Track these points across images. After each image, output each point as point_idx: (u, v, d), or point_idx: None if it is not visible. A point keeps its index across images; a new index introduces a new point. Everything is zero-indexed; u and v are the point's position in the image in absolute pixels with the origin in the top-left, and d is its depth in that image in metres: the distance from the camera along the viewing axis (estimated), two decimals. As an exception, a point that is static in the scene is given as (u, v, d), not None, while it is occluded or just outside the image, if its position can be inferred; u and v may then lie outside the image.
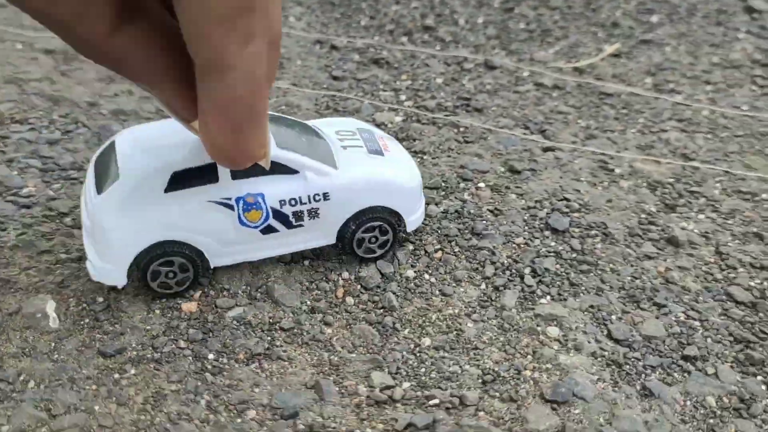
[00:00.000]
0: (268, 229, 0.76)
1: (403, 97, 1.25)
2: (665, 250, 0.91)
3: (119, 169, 0.72)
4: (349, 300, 0.82)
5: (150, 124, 0.79)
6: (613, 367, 0.75)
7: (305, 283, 0.83)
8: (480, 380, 0.73)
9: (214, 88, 0.41)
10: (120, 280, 0.75)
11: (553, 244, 0.90)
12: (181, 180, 0.72)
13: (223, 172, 0.72)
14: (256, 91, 0.42)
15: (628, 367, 0.75)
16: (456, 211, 0.94)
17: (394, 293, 0.82)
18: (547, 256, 0.88)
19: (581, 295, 0.83)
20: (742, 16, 1.60)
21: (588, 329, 0.79)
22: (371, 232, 0.81)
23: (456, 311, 0.81)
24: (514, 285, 0.84)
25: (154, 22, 0.41)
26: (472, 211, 0.94)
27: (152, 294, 0.78)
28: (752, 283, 0.86)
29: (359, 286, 0.83)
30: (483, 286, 0.84)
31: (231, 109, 0.42)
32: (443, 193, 0.99)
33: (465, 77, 1.34)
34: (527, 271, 0.86)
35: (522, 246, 0.90)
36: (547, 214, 0.94)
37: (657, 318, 0.81)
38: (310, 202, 0.76)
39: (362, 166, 0.79)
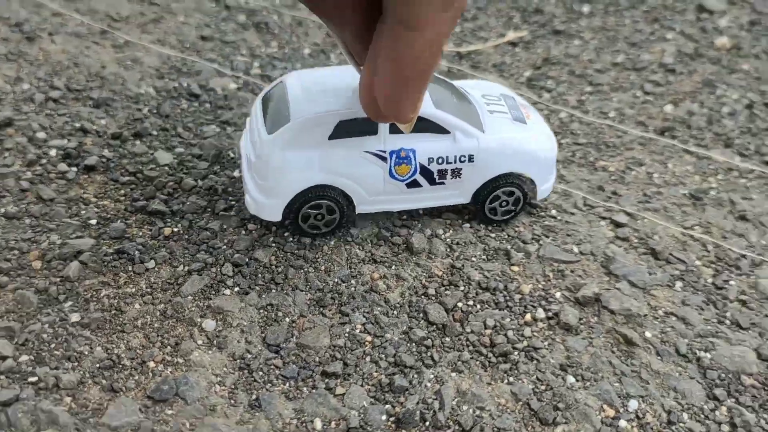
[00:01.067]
0: (413, 184, 0.80)
1: (256, 65, 1.20)
2: (399, 256, 0.84)
3: (290, 112, 0.75)
4: None
5: (318, 69, 0.83)
6: (245, 371, 0.70)
7: None
8: (99, 365, 0.70)
9: (401, 43, 0.45)
10: (276, 216, 0.79)
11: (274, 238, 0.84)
12: (345, 129, 0.75)
13: (383, 125, 0.76)
14: (436, 52, 0.46)
15: (260, 374, 0.70)
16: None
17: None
18: (268, 247, 0.83)
19: (271, 291, 0.77)
20: (688, 15, 1.45)
21: (248, 328, 0.74)
22: (504, 196, 0.84)
23: (134, 290, 0.77)
24: (207, 272, 0.79)
25: None
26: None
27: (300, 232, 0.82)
28: (460, 305, 0.78)
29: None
30: (180, 268, 0.80)
31: (409, 65, 0.46)
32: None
33: (337, 50, 1.27)
34: (235, 259, 0.81)
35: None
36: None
37: (331, 327, 0.75)
38: (455, 162, 0.79)
39: (507, 132, 0.81)
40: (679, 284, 0.83)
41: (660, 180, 0.99)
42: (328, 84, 0.77)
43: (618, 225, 0.89)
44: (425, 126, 0.76)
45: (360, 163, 0.78)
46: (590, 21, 1.42)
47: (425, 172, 0.80)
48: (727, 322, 0.78)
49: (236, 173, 0.93)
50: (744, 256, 0.87)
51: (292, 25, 1.31)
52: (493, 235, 0.87)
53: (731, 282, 0.83)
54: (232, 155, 0.97)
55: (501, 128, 0.81)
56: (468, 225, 0.88)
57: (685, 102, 1.17)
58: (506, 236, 0.87)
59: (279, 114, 0.76)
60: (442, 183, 0.81)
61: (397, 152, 0.78)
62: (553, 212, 0.91)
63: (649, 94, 1.18)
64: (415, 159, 0.78)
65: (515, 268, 0.83)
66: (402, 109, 0.52)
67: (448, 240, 0.86)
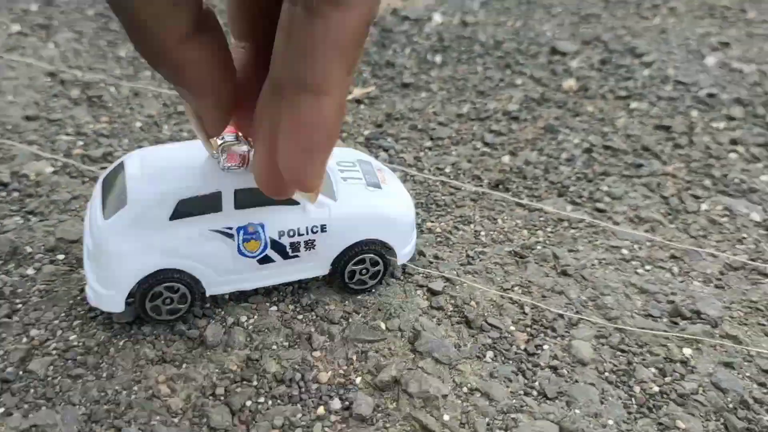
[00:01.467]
0: (265, 259, 0.77)
1: (80, 143, 1.14)
2: (193, 352, 0.78)
3: (127, 194, 0.71)
4: None
5: (159, 146, 0.80)
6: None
7: None
8: None
9: (308, 109, 0.43)
10: (118, 306, 0.75)
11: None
12: (187, 208, 0.72)
13: (227, 201, 0.73)
14: (340, 116, 0.44)
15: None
16: None
17: None
18: (48, 355, 0.76)
19: (40, 410, 0.71)
20: (540, 58, 1.44)
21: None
22: (362, 264, 0.81)
23: None
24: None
25: (218, 39, 0.46)
26: None
27: (148, 320, 0.77)
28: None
29: None
30: None
31: (313, 131, 0.44)
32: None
33: (171, 122, 1.22)
34: (5, 375, 0.74)
35: None
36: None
37: None
38: (307, 233, 0.77)
39: (360, 199, 0.80)
40: (489, 354, 0.79)
41: (487, 238, 0.96)
42: (169, 162, 0.74)
43: (434, 293, 0.86)
44: (273, 200, 0.69)
45: (205, 243, 0.74)
46: (441, 71, 1.40)
47: (277, 246, 0.77)
48: (534, 393, 0.75)
49: (29, 271, 0.87)
50: (561, 315, 0.84)
51: (128, 97, 1.26)
52: (300, 317, 0.83)
53: (545, 346, 0.80)
54: (30, 250, 0.90)
55: (355, 195, 0.80)
56: (275, 308, 0.84)
57: (524, 151, 1.15)
58: (314, 317, 0.83)
59: (117, 197, 0.73)
60: (297, 256, 0.78)
61: (244, 228, 0.75)
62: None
63: (489, 145, 1.16)
64: (264, 233, 0.76)
65: (317, 354, 0.78)
66: (311, 177, 0.49)
67: (250, 327, 0.81)
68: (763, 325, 0.85)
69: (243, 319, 0.82)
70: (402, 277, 0.88)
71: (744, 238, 0.99)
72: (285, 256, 0.78)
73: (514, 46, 1.51)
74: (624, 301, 0.87)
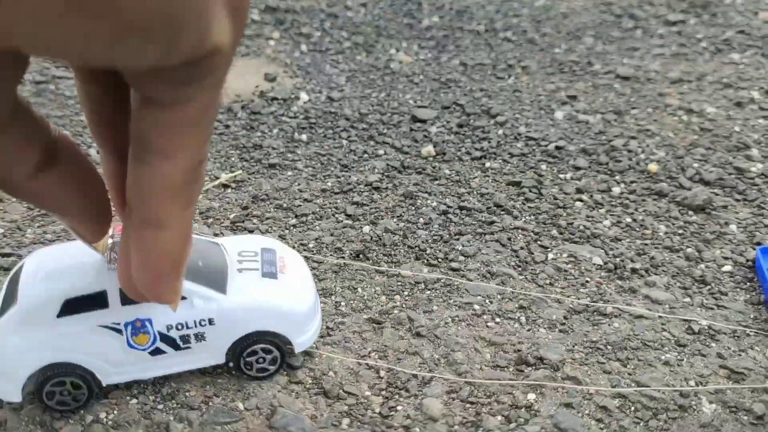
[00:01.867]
0: (157, 351, 0.80)
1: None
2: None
3: (18, 293, 0.76)
4: None
5: (54, 246, 0.84)
6: None
7: None
8: None
9: (150, 241, 0.45)
10: (15, 397, 0.79)
11: None
12: (74, 306, 0.76)
13: (113, 298, 0.76)
14: (186, 244, 0.45)
15: None
16: None
17: None
18: None
19: None
20: (402, 127, 1.52)
21: None
22: (256, 355, 0.84)
23: None
24: None
25: (71, 168, 0.45)
26: None
27: (48, 410, 0.81)
28: None
29: None
30: None
31: (158, 259, 0.45)
32: None
33: (35, 224, 1.22)
34: None
35: None
36: None
37: None
38: (195, 326, 0.80)
39: (250, 291, 0.82)
40: (345, 421, 0.82)
41: (347, 308, 1.00)
42: (60, 261, 0.78)
43: (293, 368, 0.88)
44: None
45: (94, 337, 0.78)
46: (307, 149, 1.46)
47: (166, 339, 0.80)
48: (388, 455, 0.78)
49: None
50: (415, 375, 0.88)
51: (-9, 203, 1.26)
52: (160, 406, 0.84)
53: (398, 407, 0.84)
54: None
55: (246, 287, 0.82)
56: (135, 401, 0.84)
57: (384, 219, 1.21)
58: (174, 405, 0.84)
59: (10, 296, 0.78)
60: (189, 347, 0.81)
61: (132, 323, 0.78)
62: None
63: (350, 217, 1.21)
64: (152, 328, 0.79)
65: (175, 443, 0.79)
66: (163, 295, 0.49)
67: (109, 423, 0.82)
68: (602, 363, 0.91)
69: (102, 415, 0.83)
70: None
71: (587, 282, 1.07)
72: (176, 347, 0.81)
73: (378, 117, 1.59)
74: (474, 354, 0.92)
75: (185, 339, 0.81)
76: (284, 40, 2.05)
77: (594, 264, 1.11)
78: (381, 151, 1.45)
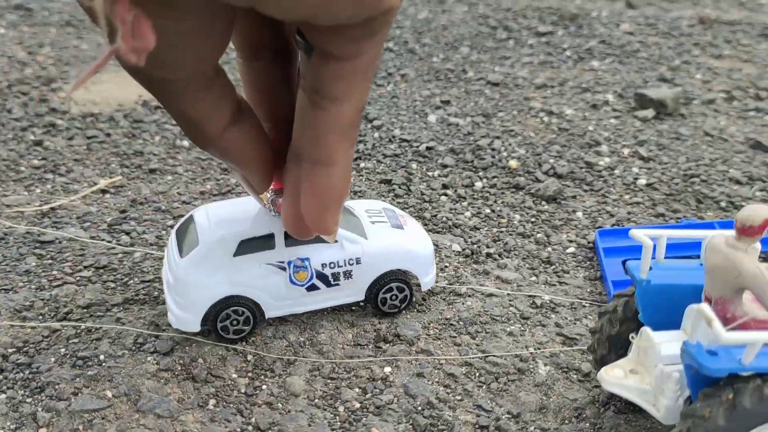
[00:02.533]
0: (312, 287, 0.95)
1: None
2: None
3: (198, 237, 0.90)
4: None
5: (220, 202, 0.97)
6: None
7: None
8: None
9: (321, 178, 0.56)
10: (195, 327, 0.93)
11: None
12: (246, 246, 0.90)
13: (279, 240, 0.91)
14: (348, 180, 0.56)
15: None
16: None
17: None
18: None
19: None
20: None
21: None
22: (392, 291, 0.98)
23: None
24: None
25: (253, 123, 0.58)
26: None
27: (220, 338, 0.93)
28: None
29: None
30: None
31: (327, 193, 0.57)
32: None
33: None
34: None
35: None
36: None
37: None
38: (345, 265, 0.94)
39: (387, 237, 0.98)
40: (212, 402, 0.87)
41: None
42: (230, 212, 0.92)
43: (163, 355, 0.93)
44: (315, 238, 0.85)
45: (263, 274, 0.92)
46: (188, 154, 1.50)
47: (321, 276, 0.94)
48: (250, 428, 0.84)
49: None
50: (281, 358, 0.94)
51: None
52: (29, 399, 0.87)
53: (263, 387, 0.90)
54: None
55: (382, 234, 0.98)
56: (3, 395, 0.87)
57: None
58: (44, 397, 0.87)
59: (190, 240, 0.91)
60: (338, 284, 0.95)
61: (293, 261, 0.92)
62: (101, 357, 0.93)
63: (226, 217, 1.26)
64: (310, 266, 0.93)
65: (42, 431, 0.82)
66: (328, 227, 0.63)
67: (-23, 418, 0.84)
68: (454, 337, 1.00)
69: (-30, 412, 0.85)
70: (133, 347, 0.95)
71: (446, 266, 1.16)
72: (328, 284, 0.95)
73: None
74: (336, 336, 0.99)
75: (336, 276, 0.95)
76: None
77: (453, 250, 1.20)
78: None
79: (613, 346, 0.84)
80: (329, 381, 0.91)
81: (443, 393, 0.90)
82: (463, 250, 1.20)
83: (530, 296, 1.08)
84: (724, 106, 1.83)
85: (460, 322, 1.03)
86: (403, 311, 1.03)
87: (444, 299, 1.08)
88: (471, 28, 2.43)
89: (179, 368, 0.92)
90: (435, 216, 1.30)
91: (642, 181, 1.44)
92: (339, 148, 0.57)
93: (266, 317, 0.95)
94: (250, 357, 0.95)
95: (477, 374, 0.93)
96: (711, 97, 1.87)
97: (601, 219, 1.31)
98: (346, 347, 0.97)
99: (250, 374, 0.92)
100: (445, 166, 1.48)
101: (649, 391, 0.76)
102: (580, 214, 1.32)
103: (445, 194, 1.38)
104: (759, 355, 0.66)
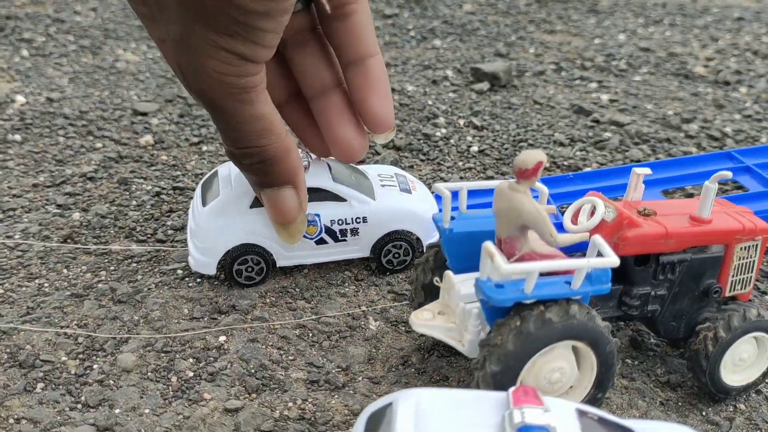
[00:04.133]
0: (321, 241, 1.02)
1: None
2: None
3: (220, 189, 0.99)
4: None
5: None
6: None
7: None
8: None
9: (370, 70, 0.87)
10: (212, 270, 1.01)
11: None
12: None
13: None
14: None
15: None
16: None
17: None
18: None
19: None
20: (123, 121, 1.54)
21: None
22: (396, 250, 1.06)
23: None
24: None
25: (302, 108, 0.91)
26: None
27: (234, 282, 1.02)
28: None
29: None
30: None
31: (384, 79, 0.88)
32: None
33: None
34: None
35: None
36: None
37: None
38: (353, 222, 1.02)
39: (393, 199, 1.05)
40: (40, 385, 0.86)
41: (50, 288, 1.03)
42: None
43: (-12, 347, 0.91)
44: (326, 196, 1.00)
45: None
46: (21, 148, 1.45)
47: (329, 231, 1.02)
48: (80, 406, 0.84)
49: None
50: (114, 337, 0.94)
51: None
52: None
53: (94, 366, 0.90)
54: None
55: (390, 196, 1.05)
56: None
57: (96, 205, 1.25)
58: None
59: (212, 191, 1.00)
60: (345, 240, 1.03)
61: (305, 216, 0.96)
62: None
63: (61, 207, 1.24)
64: (320, 221, 1.01)
65: None
66: (392, 115, 0.88)
67: None
68: (290, 302, 1.04)
69: None
70: (-45, 341, 0.92)
71: (285, 239, 1.18)
72: (336, 239, 1.03)
73: (99, 114, 1.61)
74: (172, 311, 1.00)
75: (343, 233, 1.03)
76: (3, 46, 1.99)
77: (293, 224, 1.23)
78: (99, 144, 1.48)
79: (428, 293, 0.90)
80: (163, 354, 0.93)
81: (276, 355, 0.93)
82: (303, 222, 1.24)
83: (365, 259, 1.13)
84: (553, 77, 1.96)
85: (297, 289, 1.06)
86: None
87: (282, 269, 1.11)
88: (319, 13, 2.45)
89: (6, 357, 0.91)
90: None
91: (474, 148, 1.52)
92: (374, 37, 0.79)
93: (277, 266, 1.04)
94: (81, 339, 0.94)
95: (310, 335, 0.97)
96: (541, 69, 1.99)
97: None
98: (182, 321, 0.99)
99: (81, 356, 0.92)
100: (288, 145, 1.51)
101: (454, 329, 0.82)
102: (416, 181, 1.38)
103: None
104: (539, 284, 0.74)
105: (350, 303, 1.04)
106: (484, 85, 1.84)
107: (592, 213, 0.83)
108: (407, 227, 1.06)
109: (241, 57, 0.71)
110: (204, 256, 1.01)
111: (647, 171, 0.89)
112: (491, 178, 1.40)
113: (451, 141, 1.55)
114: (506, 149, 1.52)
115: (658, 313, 0.87)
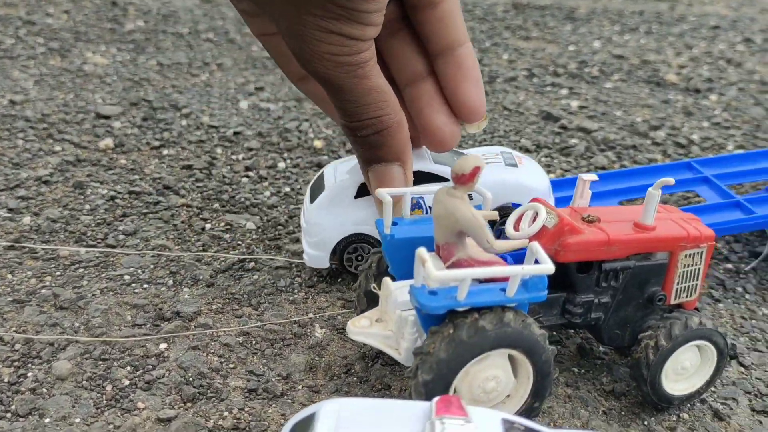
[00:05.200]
0: None
1: None
2: None
3: (324, 183, 1.00)
4: None
5: (345, 158, 1.07)
6: None
7: None
8: None
9: (462, 59, 0.90)
10: (325, 263, 1.03)
11: None
12: (366, 189, 0.96)
13: None
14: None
15: None
16: None
17: None
18: None
19: None
20: (85, 124, 1.52)
21: None
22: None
23: None
24: None
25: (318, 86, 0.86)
26: None
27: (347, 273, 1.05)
28: None
29: None
30: None
31: (475, 67, 0.92)
32: None
33: None
34: None
35: None
36: None
37: None
38: None
39: (499, 173, 1.02)
40: (-30, 395, 0.84)
41: (-8, 293, 1.01)
42: (351, 164, 1.01)
43: None
44: (428, 178, 0.98)
45: None
46: (-23, 150, 1.43)
47: None
48: (9, 415, 0.82)
49: None
50: (51, 344, 0.92)
51: None
52: None
53: (29, 374, 0.87)
54: None
55: (494, 171, 1.02)
56: None
57: (48, 209, 1.23)
58: None
59: (319, 188, 1.02)
60: None
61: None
62: None
63: (12, 210, 1.22)
64: (425, 204, 1.00)
65: None
66: (484, 103, 0.89)
67: None
68: (236, 309, 1.02)
69: None
70: None
71: (239, 244, 1.17)
72: None
73: (62, 117, 1.59)
74: (114, 318, 0.98)
75: None
76: (-32, 48, 1.97)
77: (247, 229, 1.22)
78: (58, 148, 1.46)
79: (371, 300, 0.88)
80: (100, 362, 0.91)
81: (217, 363, 0.91)
82: (258, 227, 1.22)
83: (316, 268, 1.11)
84: (525, 83, 1.95)
85: (245, 296, 1.05)
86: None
87: (232, 275, 1.09)
88: (294, 18, 2.44)
89: (-63, 365, 0.89)
90: (233, 197, 1.31)
91: (439, 154, 1.51)
92: (464, 25, 0.82)
93: None
94: (18, 346, 0.92)
95: (253, 342, 0.96)
96: (513, 75, 1.98)
97: (396, 191, 1.36)
98: (123, 328, 0.97)
99: (16, 363, 0.90)
100: (250, 150, 1.50)
101: (391, 337, 0.80)
102: (376, 187, 1.37)
103: (247, 176, 1.39)
104: (473, 291, 0.72)
105: (298, 310, 1.02)
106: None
107: (534, 219, 0.82)
108: (518, 200, 1.03)
109: (350, 37, 0.76)
110: (316, 251, 1.02)
111: (593, 177, 0.88)
112: (453, 184, 1.38)
113: (416, 146, 1.53)
114: (471, 155, 1.50)
115: (602, 321, 0.85)
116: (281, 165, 1.43)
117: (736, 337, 0.99)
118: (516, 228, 0.83)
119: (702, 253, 0.86)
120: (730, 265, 1.16)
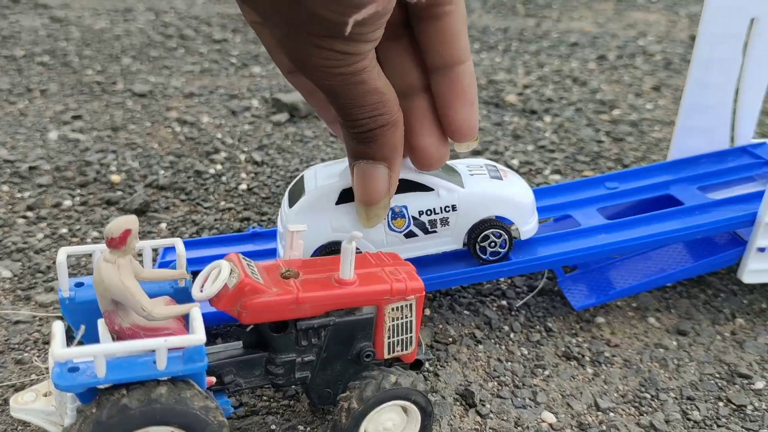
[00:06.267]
0: (410, 234, 0.96)
1: None
2: None
3: (305, 189, 0.96)
4: None
5: (323, 163, 1.02)
6: None
7: None
8: None
9: (459, 76, 0.85)
10: None
11: None
12: (347, 196, 0.93)
13: None
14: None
15: None
16: None
17: None
18: None
19: None
20: None
21: None
22: (493, 238, 0.98)
23: None
24: None
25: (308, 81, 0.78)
26: None
27: None
28: None
29: None
30: None
31: (472, 86, 0.87)
32: None
33: None
34: None
35: None
36: None
37: None
38: (441, 212, 0.96)
39: (483, 186, 0.98)
40: None
41: None
42: (335, 169, 0.96)
43: None
44: (412, 186, 0.94)
45: None
46: None
47: (418, 223, 0.96)
48: None
49: None
50: None
51: None
52: None
53: None
54: None
55: (479, 183, 0.98)
56: None
57: None
58: None
59: (298, 192, 0.96)
60: (435, 231, 0.97)
61: (392, 209, 0.94)
62: None
63: None
64: (408, 213, 0.95)
65: None
66: (476, 125, 0.84)
67: None
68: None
69: None
70: None
71: (-13, 295, 1.08)
72: (425, 231, 0.96)
73: None
74: None
75: (433, 224, 0.96)
76: None
77: (2, 277, 1.13)
78: None
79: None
80: None
81: None
82: (15, 276, 1.14)
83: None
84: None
85: None
86: None
87: None
88: (143, 38, 2.37)
89: None
90: (1, 241, 1.23)
91: (243, 186, 1.46)
92: (467, 42, 0.77)
93: None
94: None
95: None
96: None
97: (184, 228, 1.30)
98: None
99: None
100: (41, 186, 1.41)
101: (54, 413, 0.74)
102: (164, 225, 1.31)
103: (25, 216, 1.31)
104: (119, 365, 0.66)
105: (24, 371, 0.95)
106: (283, 116, 1.78)
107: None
108: (502, 213, 0.99)
109: (345, 53, 0.71)
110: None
111: (303, 227, 0.84)
112: (247, 219, 1.33)
113: (223, 178, 1.48)
114: (278, 186, 1.45)
115: (309, 380, 0.81)
116: (67, 203, 1.35)
117: (485, 383, 0.96)
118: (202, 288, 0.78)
119: (411, 305, 0.82)
120: (504, 302, 1.13)
